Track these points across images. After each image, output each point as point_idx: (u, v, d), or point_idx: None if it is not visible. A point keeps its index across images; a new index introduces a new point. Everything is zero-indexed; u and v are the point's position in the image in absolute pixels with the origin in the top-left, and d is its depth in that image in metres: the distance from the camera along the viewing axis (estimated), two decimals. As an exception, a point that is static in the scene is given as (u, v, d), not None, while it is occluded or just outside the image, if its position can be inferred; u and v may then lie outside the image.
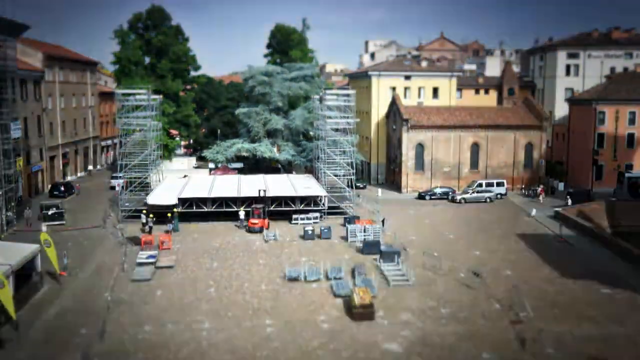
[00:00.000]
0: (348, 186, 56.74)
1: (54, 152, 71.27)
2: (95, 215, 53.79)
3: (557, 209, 55.01)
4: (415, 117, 67.11)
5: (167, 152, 74.88)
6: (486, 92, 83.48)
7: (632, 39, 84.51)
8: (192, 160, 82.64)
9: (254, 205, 49.18)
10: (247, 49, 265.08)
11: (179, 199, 50.62)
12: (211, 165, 73.39)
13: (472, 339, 27.93)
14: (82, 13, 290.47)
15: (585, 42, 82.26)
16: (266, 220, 49.06)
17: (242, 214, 49.83)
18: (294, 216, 51.60)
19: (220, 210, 51.00)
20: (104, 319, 29.85)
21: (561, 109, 79.14)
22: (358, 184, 65.45)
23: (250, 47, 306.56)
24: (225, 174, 67.27)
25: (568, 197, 59.90)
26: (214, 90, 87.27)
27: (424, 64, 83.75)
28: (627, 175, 61.24)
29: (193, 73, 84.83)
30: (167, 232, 46.72)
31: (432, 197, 63.35)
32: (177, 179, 60.26)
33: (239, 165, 73.91)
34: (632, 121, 68.08)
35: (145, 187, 56.50)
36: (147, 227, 47.68)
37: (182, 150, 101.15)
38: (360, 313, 29.78)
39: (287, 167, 71.85)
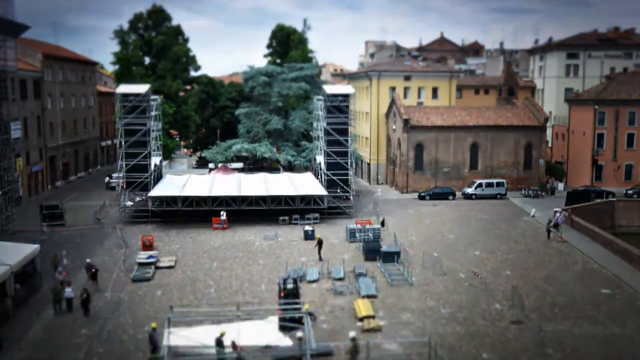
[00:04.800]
0: (348, 186, 56.72)
1: (54, 152, 71.29)
2: (94, 216, 54.03)
3: (556, 209, 54.95)
4: (415, 117, 67.11)
5: (167, 152, 74.83)
6: (486, 92, 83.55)
7: (632, 39, 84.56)
8: (192, 161, 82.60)
9: (222, 213, 49.82)
10: (247, 50, 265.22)
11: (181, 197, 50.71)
12: (211, 165, 73.32)
13: (472, 339, 27.94)
14: (82, 13, 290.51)
15: (585, 42, 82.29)
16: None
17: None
18: (294, 216, 51.61)
19: (219, 209, 51.03)
20: (105, 319, 29.90)
21: (561, 109, 79.15)
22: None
23: (250, 48, 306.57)
24: (225, 173, 67.21)
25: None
26: (214, 91, 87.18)
27: (423, 64, 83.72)
28: None
29: (193, 73, 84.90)
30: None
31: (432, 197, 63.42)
32: (177, 177, 60.37)
33: (239, 165, 73.87)
34: (632, 121, 68.13)
35: (145, 188, 56.46)
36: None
37: (182, 151, 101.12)
38: (366, 328, 29.03)
39: (287, 168, 71.82)
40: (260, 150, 67.27)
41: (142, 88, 56.35)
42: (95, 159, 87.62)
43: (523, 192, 65.77)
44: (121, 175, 54.96)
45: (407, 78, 74.96)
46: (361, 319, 29.68)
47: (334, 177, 55.85)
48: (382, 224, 49.13)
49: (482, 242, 45.90)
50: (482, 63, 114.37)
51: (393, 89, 73.78)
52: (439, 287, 35.16)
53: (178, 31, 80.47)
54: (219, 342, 24.09)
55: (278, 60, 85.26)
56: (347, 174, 56.60)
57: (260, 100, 71.87)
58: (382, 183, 74.60)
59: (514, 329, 29.12)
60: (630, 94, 68.15)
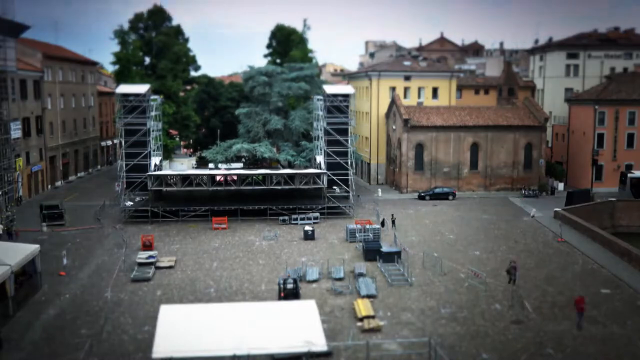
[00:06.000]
0: (348, 187, 56.79)
1: (54, 152, 71.28)
2: (95, 216, 54.02)
3: (556, 209, 55.02)
4: (415, 117, 67.11)
5: (167, 152, 74.82)
6: (486, 92, 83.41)
7: (632, 39, 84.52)
8: (192, 161, 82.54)
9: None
10: (247, 50, 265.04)
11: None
12: (211, 165, 73.34)
13: (472, 339, 27.94)
14: (82, 13, 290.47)
15: (585, 42, 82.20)
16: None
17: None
18: (293, 216, 51.65)
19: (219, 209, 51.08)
20: (105, 319, 29.89)
21: (561, 109, 79.12)
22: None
23: (250, 48, 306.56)
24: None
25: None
26: (214, 90, 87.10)
27: (423, 64, 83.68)
28: (629, 175, 61.35)
29: (193, 73, 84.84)
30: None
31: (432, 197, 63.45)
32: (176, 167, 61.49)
33: (239, 165, 73.90)
34: (632, 121, 68.13)
35: (145, 188, 56.49)
36: None
37: (182, 151, 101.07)
38: (366, 328, 29.17)
39: (287, 168, 71.80)
40: (260, 150, 67.22)
41: (142, 88, 56.38)
42: (95, 159, 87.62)
43: (523, 192, 65.78)
44: (121, 175, 54.99)
45: (407, 78, 74.94)
46: (361, 319, 29.69)
47: (334, 177, 55.87)
48: (382, 224, 49.17)
49: (482, 242, 45.91)
50: (482, 63, 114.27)
51: (393, 89, 73.76)
52: (439, 287, 35.17)
53: (178, 31, 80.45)
54: None
55: (278, 60, 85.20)
56: (347, 174, 56.66)
57: (260, 100, 71.83)
58: (382, 183, 74.59)
59: (514, 329, 29.13)
60: (630, 94, 68.13)
